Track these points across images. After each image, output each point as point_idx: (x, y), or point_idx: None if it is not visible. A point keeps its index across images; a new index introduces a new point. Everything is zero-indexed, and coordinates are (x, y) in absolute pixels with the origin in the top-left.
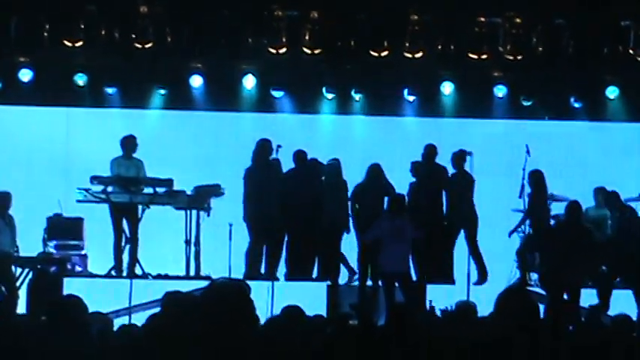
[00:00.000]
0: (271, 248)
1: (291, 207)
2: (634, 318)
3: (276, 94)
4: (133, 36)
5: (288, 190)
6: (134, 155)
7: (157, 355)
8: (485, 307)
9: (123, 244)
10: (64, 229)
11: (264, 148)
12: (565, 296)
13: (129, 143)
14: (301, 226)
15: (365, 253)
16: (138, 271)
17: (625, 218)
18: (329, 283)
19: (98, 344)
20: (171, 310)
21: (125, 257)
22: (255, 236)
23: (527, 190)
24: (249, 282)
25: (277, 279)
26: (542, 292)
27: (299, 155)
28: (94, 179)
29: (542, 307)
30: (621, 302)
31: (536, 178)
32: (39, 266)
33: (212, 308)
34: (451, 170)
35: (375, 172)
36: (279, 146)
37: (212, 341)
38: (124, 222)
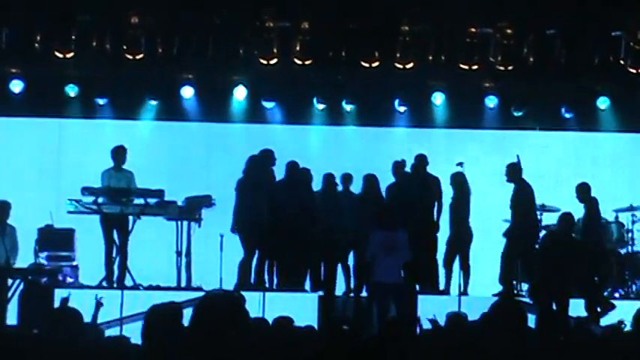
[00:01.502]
0: (262, 258)
1: (281, 217)
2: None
3: (267, 104)
4: (124, 47)
5: (279, 200)
6: (124, 166)
7: None
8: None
9: (114, 255)
10: (56, 240)
11: (265, 158)
12: (554, 307)
13: (119, 154)
14: (292, 237)
15: (361, 264)
16: (129, 282)
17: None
18: (321, 294)
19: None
20: (155, 322)
21: (116, 268)
22: (249, 248)
23: None
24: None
25: (268, 289)
26: (531, 302)
27: (290, 166)
28: (85, 190)
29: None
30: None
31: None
32: (30, 277)
33: (205, 319)
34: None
35: (371, 183)
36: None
37: (202, 352)
38: (115, 233)
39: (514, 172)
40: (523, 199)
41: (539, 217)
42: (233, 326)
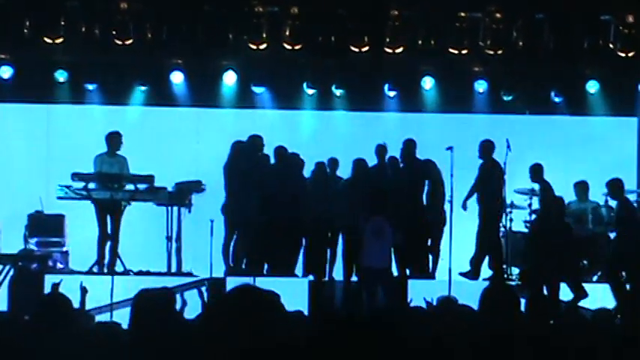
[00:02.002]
0: (252, 244)
1: (271, 202)
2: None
3: (257, 89)
4: (114, 32)
5: (269, 185)
6: (118, 152)
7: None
8: (467, 301)
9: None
10: (45, 226)
11: (254, 144)
12: (545, 291)
13: (113, 140)
14: (282, 222)
15: (350, 249)
16: (119, 267)
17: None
18: (311, 279)
19: (83, 341)
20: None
21: (107, 254)
22: (231, 231)
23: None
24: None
25: (259, 274)
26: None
27: (279, 151)
28: (75, 176)
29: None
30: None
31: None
32: (20, 263)
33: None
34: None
35: (361, 168)
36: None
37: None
38: (108, 219)
39: (485, 149)
40: (491, 179)
41: (528, 201)
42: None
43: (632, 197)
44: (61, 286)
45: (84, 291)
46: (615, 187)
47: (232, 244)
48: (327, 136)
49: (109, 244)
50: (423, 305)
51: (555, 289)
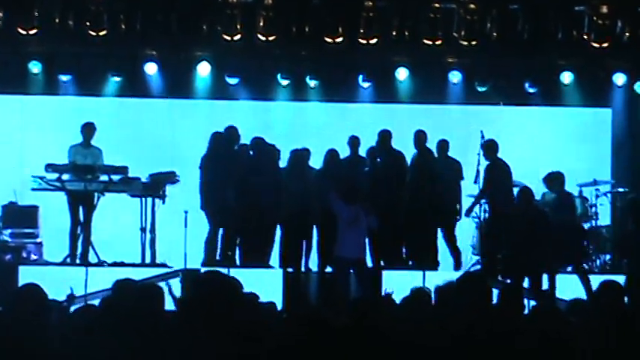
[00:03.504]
0: (228, 234)
1: (248, 194)
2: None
3: (231, 80)
4: (88, 23)
5: (246, 177)
6: (93, 143)
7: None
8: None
9: (78, 231)
10: (19, 217)
11: (230, 135)
12: (527, 282)
13: (86, 131)
14: (258, 213)
15: (324, 240)
16: (93, 258)
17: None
18: (288, 270)
19: (58, 331)
20: (124, 296)
21: (80, 245)
22: (214, 224)
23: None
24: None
25: (234, 265)
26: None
27: (257, 142)
28: (49, 167)
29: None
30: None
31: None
32: None
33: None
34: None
35: (333, 158)
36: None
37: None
38: (80, 209)
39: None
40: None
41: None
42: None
43: (605, 188)
44: (33, 277)
45: (70, 298)
46: (553, 180)
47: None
48: (302, 127)
49: (81, 235)
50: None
51: (536, 280)
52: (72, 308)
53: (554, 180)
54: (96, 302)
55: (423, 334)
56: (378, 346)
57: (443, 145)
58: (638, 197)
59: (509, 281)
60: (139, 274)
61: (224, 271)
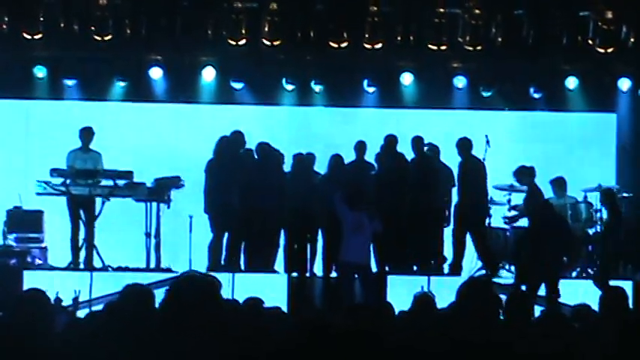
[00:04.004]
0: (232, 239)
1: (252, 198)
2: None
3: (236, 85)
4: (93, 28)
5: (250, 181)
6: (92, 147)
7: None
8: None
9: (80, 236)
10: (24, 222)
11: (236, 140)
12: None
13: (86, 135)
14: (262, 218)
15: (329, 246)
16: (98, 263)
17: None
18: (293, 275)
19: (63, 337)
20: (131, 301)
21: (84, 250)
22: (218, 229)
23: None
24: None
25: (239, 270)
26: (505, 283)
27: (262, 147)
28: (54, 172)
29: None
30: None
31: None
32: None
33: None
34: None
35: (337, 163)
36: None
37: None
38: (82, 214)
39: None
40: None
41: (508, 196)
42: (206, 309)
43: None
44: (38, 282)
45: (76, 302)
46: (523, 174)
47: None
48: (306, 131)
49: (84, 239)
50: None
51: (554, 287)
52: (78, 312)
53: (524, 173)
54: (100, 307)
55: (425, 340)
56: (381, 351)
57: (434, 150)
58: (611, 188)
59: (523, 288)
60: (143, 279)
61: (229, 276)
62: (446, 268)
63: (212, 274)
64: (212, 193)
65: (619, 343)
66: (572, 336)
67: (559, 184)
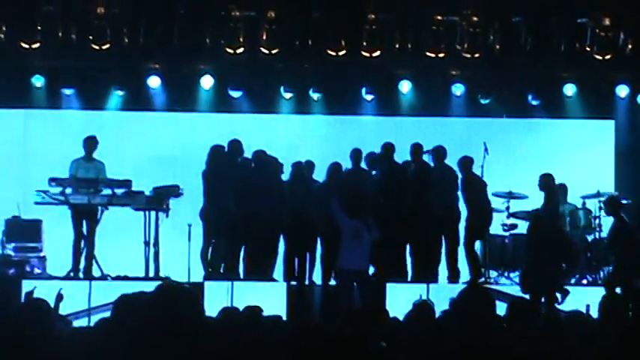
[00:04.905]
0: (231, 248)
1: (250, 207)
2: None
3: (234, 93)
4: (91, 37)
5: (249, 189)
6: (95, 157)
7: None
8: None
9: (81, 245)
10: (23, 231)
11: (233, 148)
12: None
13: (89, 144)
14: (261, 226)
15: (328, 253)
16: (97, 272)
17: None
18: (292, 283)
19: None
20: (124, 312)
21: (83, 259)
22: (209, 236)
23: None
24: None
25: (237, 278)
26: (501, 290)
27: (259, 155)
28: (53, 181)
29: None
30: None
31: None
32: None
33: (160, 311)
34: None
35: (336, 171)
36: None
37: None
38: (84, 223)
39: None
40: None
41: (507, 203)
42: (188, 318)
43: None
44: (38, 292)
45: (59, 298)
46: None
47: (211, 248)
48: (305, 140)
49: (85, 249)
50: None
51: (552, 295)
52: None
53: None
54: (99, 316)
55: (425, 347)
56: (380, 358)
57: (439, 151)
58: (614, 195)
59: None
60: (142, 288)
61: (227, 284)
62: (443, 277)
63: (210, 281)
64: (207, 202)
65: (618, 349)
66: (570, 340)
67: (560, 190)
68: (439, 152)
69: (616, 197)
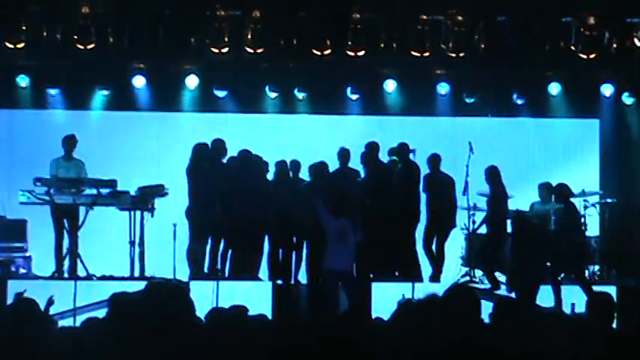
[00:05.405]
0: (216, 247)
1: (235, 206)
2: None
3: (219, 93)
4: (75, 37)
5: (234, 189)
6: (75, 156)
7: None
8: None
9: (64, 245)
10: (8, 232)
11: (217, 148)
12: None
13: (68, 143)
14: (246, 225)
15: (313, 253)
16: (82, 272)
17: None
18: (278, 282)
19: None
20: (119, 310)
21: (67, 259)
22: (195, 235)
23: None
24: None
25: (223, 277)
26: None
27: (243, 154)
28: (38, 181)
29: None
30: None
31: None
32: None
33: (150, 309)
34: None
35: (321, 171)
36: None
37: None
38: (65, 223)
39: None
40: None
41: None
42: (178, 315)
43: (594, 199)
44: (26, 293)
45: (50, 302)
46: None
47: (197, 247)
48: (290, 139)
49: (67, 248)
50: None
51: (533, 293)
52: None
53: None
54: (85, 316)
55: (409, 346)
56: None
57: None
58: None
59: (513, 295)
60: (128, 288)
61: (213, 284)
62: (425, 276)
63: (195, 281)
64: (191, 200)
65: (607, 348)
66: (557, 339)
67: (547, 189)
68: (402, 149)
69: (565, 185)
